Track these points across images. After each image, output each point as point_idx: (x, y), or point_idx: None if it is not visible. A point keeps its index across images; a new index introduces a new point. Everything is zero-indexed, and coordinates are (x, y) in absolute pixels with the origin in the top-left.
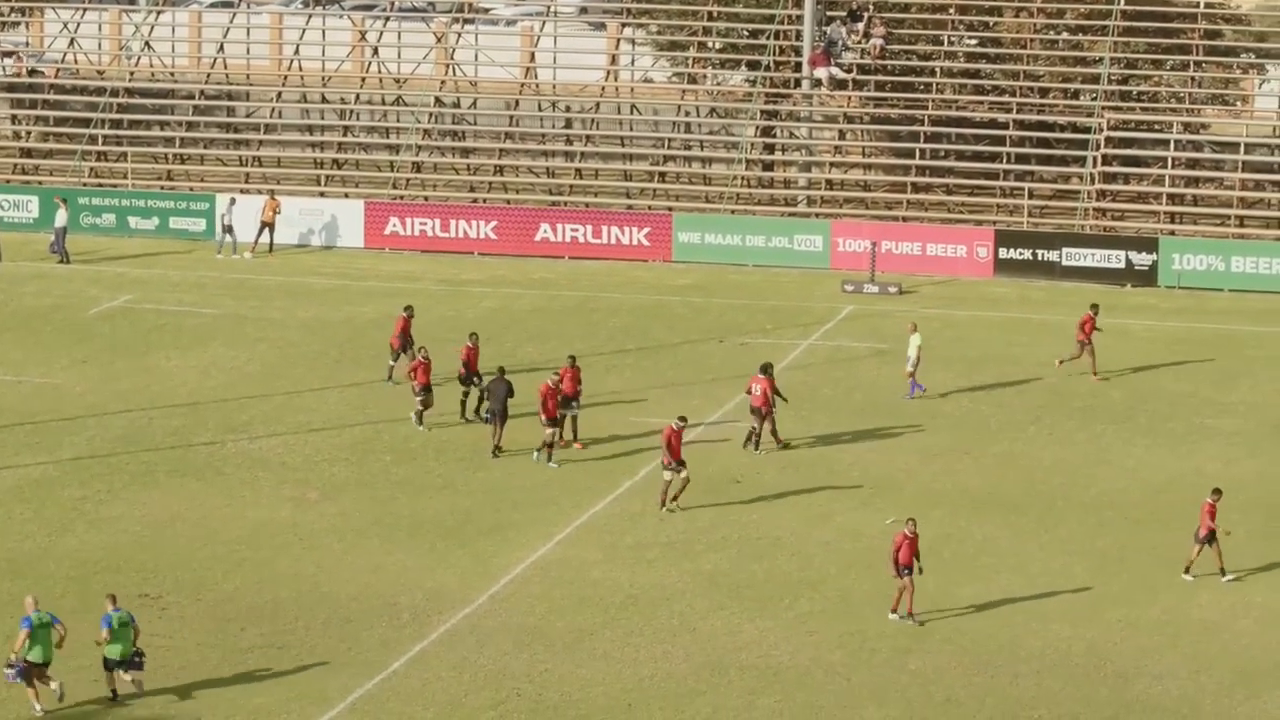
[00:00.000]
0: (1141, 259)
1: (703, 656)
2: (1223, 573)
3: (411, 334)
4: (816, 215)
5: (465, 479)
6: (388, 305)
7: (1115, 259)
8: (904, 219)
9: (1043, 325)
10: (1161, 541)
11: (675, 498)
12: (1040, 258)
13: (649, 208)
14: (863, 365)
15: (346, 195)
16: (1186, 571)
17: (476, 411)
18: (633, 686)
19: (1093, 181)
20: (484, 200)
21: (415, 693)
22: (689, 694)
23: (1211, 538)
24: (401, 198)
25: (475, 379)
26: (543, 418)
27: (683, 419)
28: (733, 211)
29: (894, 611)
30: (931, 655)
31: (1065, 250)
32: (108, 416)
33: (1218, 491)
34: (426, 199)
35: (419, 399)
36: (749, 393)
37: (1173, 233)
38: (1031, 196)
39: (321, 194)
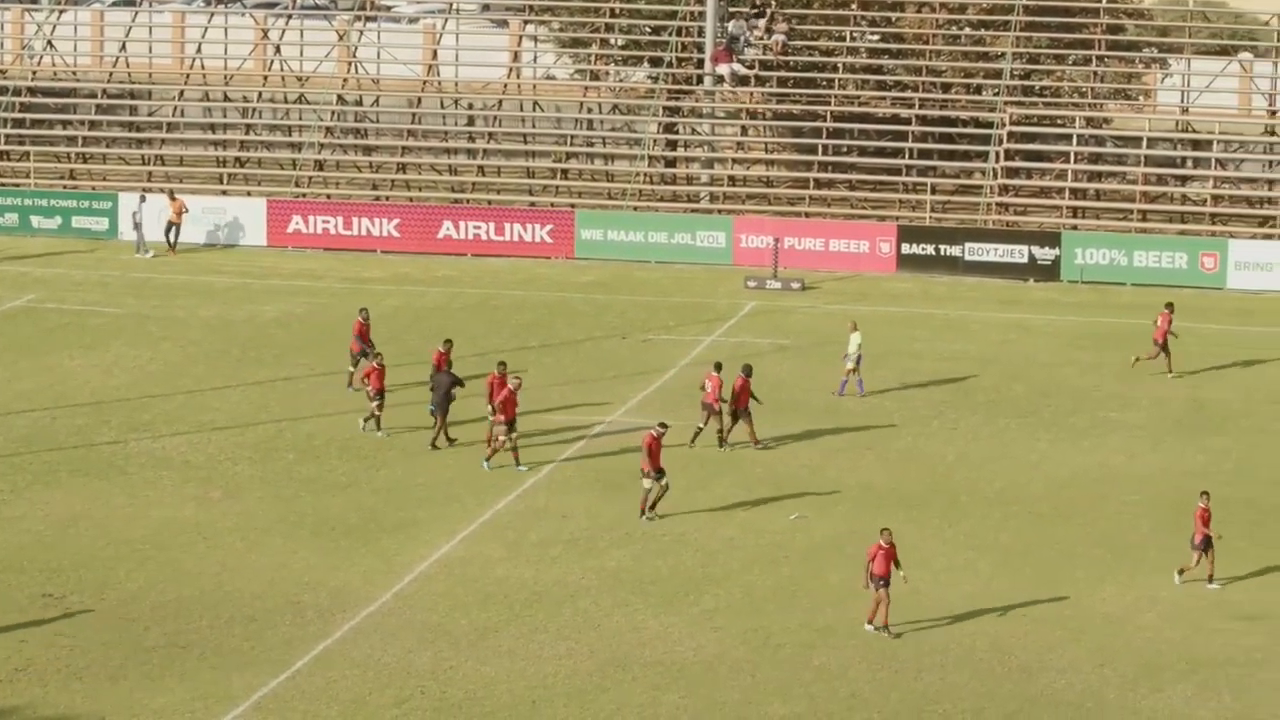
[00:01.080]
0: (1044, 254)
1: (607, 653)
2: (1210, 579)
3: (370, 337)
4: (719, 211)
5: (369, 477)
6: (290, 304)
7: (1018, 254)
8: (807, 215)
9: (945, 320)
10: (1065, 536)
11: (653, 505)
12: (943, 253)
13: (552, 205)
14: (766, 361)
15: (249, 194)
16: (1210, 580)
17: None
18: (537, 684)
19: (995, 176)
20: (387, 198)
21: (319, 691)
22: (593, 690)
23: (1208, 543)
24: (304, 196)
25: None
26: (501, 420)
27: (663, 425)
28: (635, 208)
29: (869, 623)
30: (835, 651)
31: (968, 245)
32: (10, 416)
33: (1206, 494)
34: (329, 197)
35: (374, 404)
36: (702, 388)
37: (1075, 227)
38: (934, 192)
39: (224, 192)
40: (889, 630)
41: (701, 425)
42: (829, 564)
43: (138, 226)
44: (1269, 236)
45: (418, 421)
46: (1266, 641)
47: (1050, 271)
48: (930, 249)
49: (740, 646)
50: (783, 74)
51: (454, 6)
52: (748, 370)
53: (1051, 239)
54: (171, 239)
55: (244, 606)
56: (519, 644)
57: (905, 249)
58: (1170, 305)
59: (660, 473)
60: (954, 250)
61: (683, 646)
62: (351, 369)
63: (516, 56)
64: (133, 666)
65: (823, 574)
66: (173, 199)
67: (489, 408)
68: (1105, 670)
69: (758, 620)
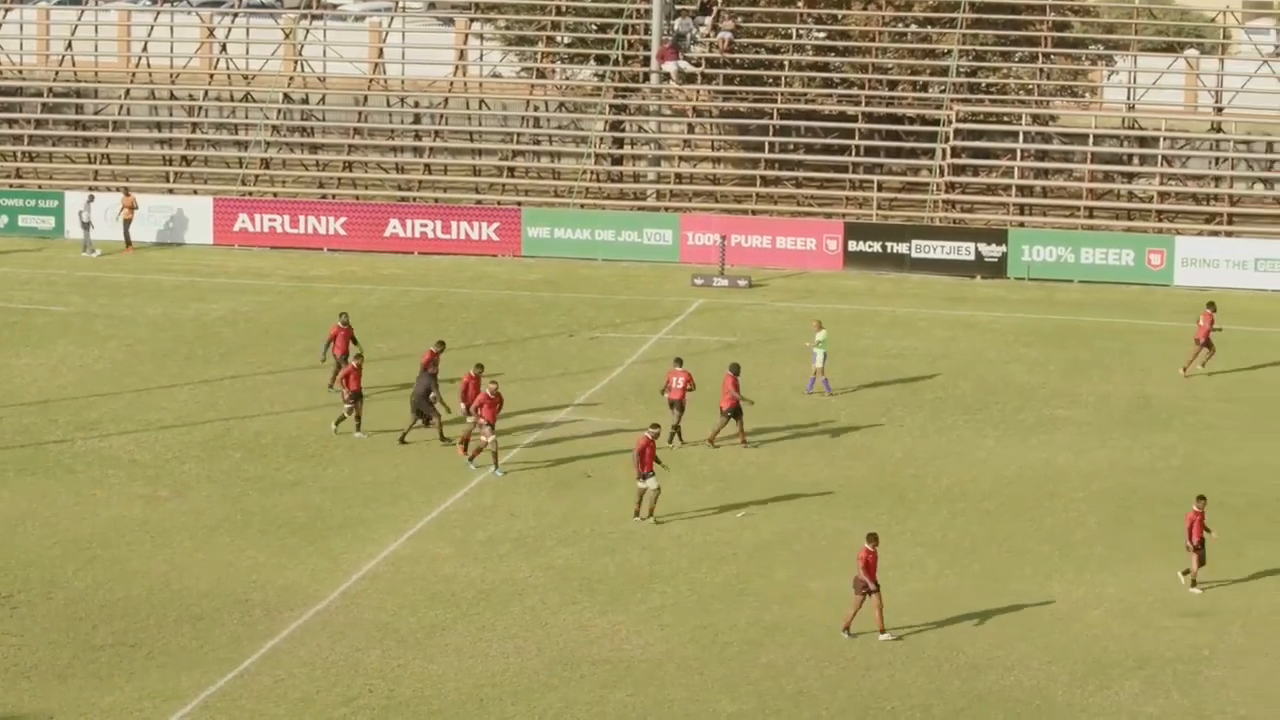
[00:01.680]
0: (991, 251)
1: (555, 651)
2: (1193, 582)
3: (353, 340)
4: (666, 209)
5: (316, 475)
6: (237, 302)
7: (965, 251)
8: (753, 212)
9: (892, 318)
10: (1013, 532)
11: (651, 511)
12: (890, 250)
13: (498, 203)
14: (713, 359)
15: (195, 192)
16: (1194, 585)
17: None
18: (485, 682)
19: (942, 174)
20: (333, 196)
21: (267, 690)
22: (541, 689)
23: (1200, 545)
24: (250, 194)
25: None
26: (483, 422)
27: (655, 426)
28: (582, 206)
29: (881, 632)
30: (783, 648)
31: (915, 242)
32: None
33: (1202, 499)
34: (275, 195)
35: (346, 405)
36: (669, 386)
37: (1022, 224)
38: (881, 189)
39: (170, 191)
40: (848, 632)
41: (676, 424)
42: (776, 561)
43: (85, 225)
44: (1215, 233)
45: (368, 421)
46: (1213, 638)
47: (997, 269)
48: (877, 246)
49: (688, 644)
50: (729, 71)
51: (400, 5)
52: (736, 369)
53: (998, 236)
54: (127, 236)
55: (192, 605)
56: (467, 642)
57: (852, 246)
58: (1212, 304)
59: (648, 475)
60: (901, 247)
61: (630, 644)
62: (337, 370)
63: (463, 54)
64: (80, 665)
65: (770, 571)
66: (126, 194)
67: (463, 409)
68: (1053, 667)
69: (705, 618)
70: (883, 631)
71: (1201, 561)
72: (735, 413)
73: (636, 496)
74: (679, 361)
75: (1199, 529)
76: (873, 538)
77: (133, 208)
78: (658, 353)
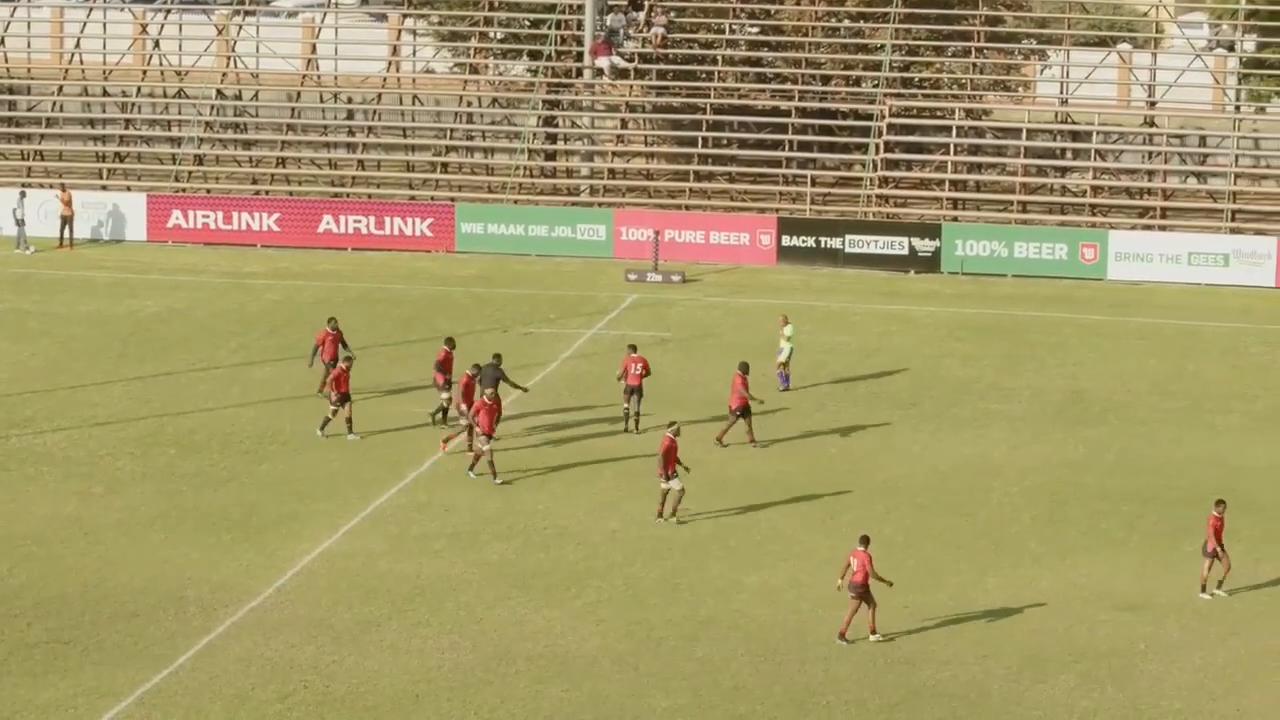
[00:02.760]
0: (924, 245)
1: (490, 647)
2: (1219, 586)
3: (343, 344)
4: (599, 204)
5: (250, 471)
6: (170, 298)
7: (898, 245)
8: (687, 207)
9: (826, 313)
10: (947, 527)
11: (674, 511)
12: (823, 245)
13: (432, 198)
14: (647, 354)
15: (129, 188)
16: (1203, 590)
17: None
18: (420, 678)
19: (875, 169)
20: (266, 192)
21: (203, 686)
22: (476, 684)
23: (1217, 552)
24: (184, 190)
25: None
26: (479, 430)
27: (674, 423)
28: (515, 201)
29: (842, 636)
30: (718, 643)
31: (848, 237)
32: None
33: (1221, 503)
34: (209, 191)
35: (332, 408)
36: (626, 372)
37: (955, 219)
38: (814, 184)
39: (104, 187)
40: (845, 639)
41: (636, 411)
42: (711, 557)
43: (19, 223)
44: (1149, 227)
45: (303, 417)
46: (1149, 632)
47: (931, 263)
48: (811, 241)
49: (623, 639)
50: (662, 67)
51: (333, 1)
52: (745, 368)
53: (932, 231)
54: (64, 234)
55: (126, 602)
56: (402, 638)
57: (786, 241)
58: None
59: (671, 476)
60: (834, 242)
61: (565, 640)
62: (325, 379)
63: (395, 50)
64: (15, 663)
65: (705, 566)
66: (63, 191)
67: (462, 409)
68: (988, 661)
69: (640, 613)
70: (842, 635)
71: (1226, 565)
72: (744, 412)
73: (659, 498)
74: (633, 348)
75: (1217, 536)
76: (865, 540)
77: (68, 203)
78: (592, 348)
